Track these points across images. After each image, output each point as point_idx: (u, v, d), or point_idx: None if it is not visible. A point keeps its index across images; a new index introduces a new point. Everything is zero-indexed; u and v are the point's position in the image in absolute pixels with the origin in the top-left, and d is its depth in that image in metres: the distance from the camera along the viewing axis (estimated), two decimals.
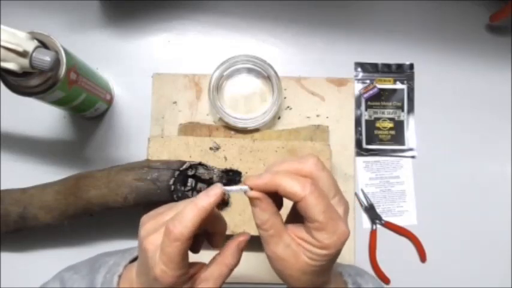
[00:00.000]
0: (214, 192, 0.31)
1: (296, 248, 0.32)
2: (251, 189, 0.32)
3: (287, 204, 0.35)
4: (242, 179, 0.55)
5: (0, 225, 0.54)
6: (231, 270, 0.35)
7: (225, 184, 0.54)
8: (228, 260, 0.34)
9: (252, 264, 0.57)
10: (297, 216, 0.34)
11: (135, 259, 0.39)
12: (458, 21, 0.64)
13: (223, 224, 0.36)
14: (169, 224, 0.31)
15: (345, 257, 0.58)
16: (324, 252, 0.31)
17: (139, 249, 0.34)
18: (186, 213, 0.31)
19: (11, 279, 0.59)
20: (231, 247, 0.35)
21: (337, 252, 0.32)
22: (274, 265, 0.33)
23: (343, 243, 0.31)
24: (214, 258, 0.35)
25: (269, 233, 0.32)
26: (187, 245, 0.31)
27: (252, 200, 0.32)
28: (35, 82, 0.44)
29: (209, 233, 0.36)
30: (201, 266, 0.35)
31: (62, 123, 0.62)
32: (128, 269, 0.38)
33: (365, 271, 0.44)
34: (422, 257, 0.59)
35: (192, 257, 0.34)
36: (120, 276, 0.37)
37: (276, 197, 0.32)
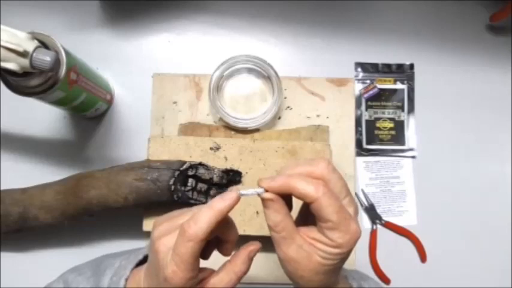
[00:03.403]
0: (230, 196, 0.32)
1: (309, 249, 0.33)
2: (266, 191, 0.32)
3: (294, 209, 0.36)
4: (242, 179, 0.55)
5: (0, 225, 0.54)
6: (240, 278, 0.35)
7: (226, 184, 0.54)
8: (238, 268, 0.35)
9: (255, 264, 0.57)
10: (304, 219, 0.35)
11: (141, 262, 0.40)
12: (458, 21, 0.64)
13: (234, 232, 0.37)
14: (185, 224, 0.31)
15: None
16: (337, 250, 0.32)
17: (150, 251, 0.35)
18: (202, 215, 0.31)
19: (11, 279, 0.59)
20: (242, 255, 0.35)
21: (349, 251, 0.33)
22: (286, 267, 0.34)
23: (355, 242, 0.32)
24: (224, 265, 0.36)
25: (281, 234, 0.33)
26: (200, 247, 0.31)
27: (265, 202, 0.33)
28: (35, 82, 0.44)
29: (220, 240, 0.37)
30: (211, 272, 0.36)
31: (62, 123, 0.62)
32: (134, 272, 0.38)
33: (368, 276, 0.44)
34: (422, 257, 0.59)
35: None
36: (127, 280, 0.37)
37: (285, 199, 0.33)
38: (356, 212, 0.34)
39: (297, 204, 0.36)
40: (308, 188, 0.31)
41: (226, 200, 0.32)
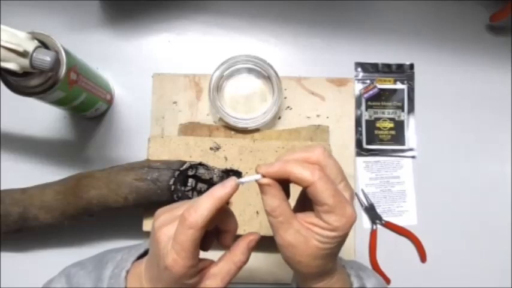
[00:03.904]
0: (230, 184, 0.33)
1: (306, 233, 0.33)
2: (263, 176, 0.33)
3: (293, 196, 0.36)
4: None
5: (0, 225, 0.54)
6: (240, 268, 0.36)
7: None
8: (237, 258, 0.35)
9: (255, 264, 0.57)
10: (302, 207, 0.36)
11: (142, 256, 0.40)
12: (458, 21, 0.64)
13: (234, 223, 0.37)
14: (185, 212, 0.32)
15: (345, 258, 0.58)
16: (333, 234, 0.32)
17: (151, 241, 0.35)
18: (202, 202, 0.32)
19: (11, 279, 0.59)
20: (241, 245, 0.36)
21: (346, 235, 0.33)
22: (285, 252, 0.34)
23: (351, 225, 0.33)
24: (223, 255, 0.36)
25: (279, 219, 0.33)
26: (200, 234, 0.32)
27: (263, 188, 0.33)
28: (35, 82, 0.44)
29: (220, 231, 0.37)
30: (210, 262, 0.36)
31: (62, 123, 0.62)
32: (135, 265, 0.38)
33: (366, 266, 0.45)
34: (422, 257, 0.59)
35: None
36: (127, 272, 0.38)
37: (283, 187, 0.34)
38: (352, 197, 0.35)
39: (294, 193, 0.36)
40: (304, 173, 0.32)
41: (226, 188, 0.32)
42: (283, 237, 0.33)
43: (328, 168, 0.33)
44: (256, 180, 0.33)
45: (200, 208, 0.32)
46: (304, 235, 0.33)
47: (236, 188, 0.33)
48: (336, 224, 0.32)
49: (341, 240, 0.33)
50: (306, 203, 0.35)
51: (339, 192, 0.32)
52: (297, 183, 0.32)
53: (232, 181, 0.33)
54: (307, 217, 0.34)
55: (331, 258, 0.35)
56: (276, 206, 0.33)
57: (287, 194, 0.35)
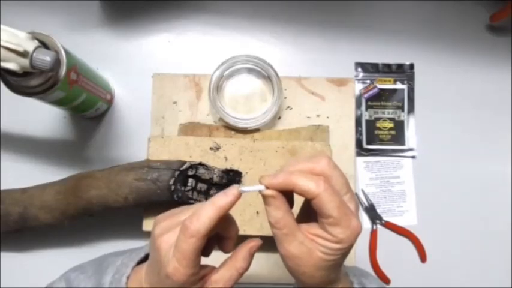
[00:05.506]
0: (232, 192, 0.32)
1: (310, 245, 0.33)
2: (267, 188, 0.33)
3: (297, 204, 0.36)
4: (242, 179, 0.55)
5: (0, 225, 0.54)
6: (241, 274, 0.35)
7: (225, 184, 0.54)
8: (239, 264, 0.35)
9: (256, 264, 0.57)
10: (306, 217, 0.35)
11: (142, 260, 0.40)
12: (458, 21, 0.64)
13: (235, 229, 0.37)
14: (187, 220, 0.32)
15: (346, 259, 0.58)
16: (338, 246, 0.32)
17: (151, 248, 0.35)
18: (204, 211, 0.32)
19: (11, 279, 0.59)
20: (243, 251, 0.35)
21: (350, 246, 0.33)
22: (288, 263, 0.34)
23: (356, 237, 0.32)
24: (225, 262, 0.36)
25: (283, 231, 0.33)
26: (202, 243, 0.32)
27: (266, 199, 0.33)
28: (35, 82, 0.44)
29: (221, 237, 0.37)
30: (212, 268, 0.36)
31: (62, 123, 0.62)
32: (136, 270, 0.38)
33: (368, 272, 0.44)
34: (422, 257, 0.59)
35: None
36: (128, 277, 0.37)
37: (287, 197, 0.33)
38: (357, 208, 0.34)
39: (298, 202, 0.36)
40: (309, 184, 0.31)
41: (229, 196, 0.32)
42: (287, 249, 0.33)
43: (334, 180, 0.33)
44: (260, 191, 0.33)
45: (202, 217, 0.31)
46: (308, 246, 0.33)
47: (239, 196, 0.32)
48: (340, 236, 0.32)
49: (345, 251, 0.33)
50: (309, 213, 0.34)
51: (344, 203, 0.32)
52: (302, 195, 0.32)
53: (234, 189, 0.32)
54: (311, 228, 0.33)
55: (334, 268, 0.35)
56: (280, 217, 0.33)
57: (291, 204, 0.35)
